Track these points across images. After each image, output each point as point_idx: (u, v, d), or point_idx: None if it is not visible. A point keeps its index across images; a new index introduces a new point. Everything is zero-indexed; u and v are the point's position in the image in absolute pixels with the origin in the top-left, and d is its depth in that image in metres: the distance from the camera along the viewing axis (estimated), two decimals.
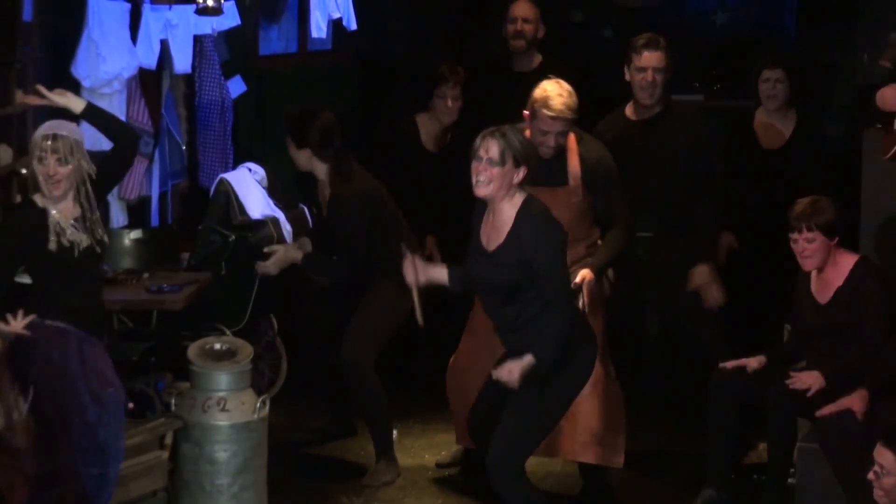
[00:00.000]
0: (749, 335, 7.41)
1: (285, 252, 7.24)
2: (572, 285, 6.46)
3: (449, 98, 8.00)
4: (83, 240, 5.71)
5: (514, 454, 5.95)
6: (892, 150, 6.51)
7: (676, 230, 7.27)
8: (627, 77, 7.25)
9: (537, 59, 8.20)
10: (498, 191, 5.82)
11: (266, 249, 7.30)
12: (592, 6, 8.81)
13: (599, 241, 6.86)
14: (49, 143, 5.66)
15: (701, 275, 7.20)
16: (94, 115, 5.90)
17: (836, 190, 7.23)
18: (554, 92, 6.57)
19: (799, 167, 7.66)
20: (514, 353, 5.95)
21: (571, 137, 6.72)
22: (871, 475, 5.14)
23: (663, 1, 9.02)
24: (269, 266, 7.22)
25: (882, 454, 5.12)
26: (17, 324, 5.54)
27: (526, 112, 6.63)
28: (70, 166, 5.66)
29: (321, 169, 7.12)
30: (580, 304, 6.52)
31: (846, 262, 6.44)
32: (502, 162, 5.80)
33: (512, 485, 5.97)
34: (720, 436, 6.66)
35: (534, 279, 5.82)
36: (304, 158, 7.12)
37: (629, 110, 7.37)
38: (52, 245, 5.67)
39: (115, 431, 5.75)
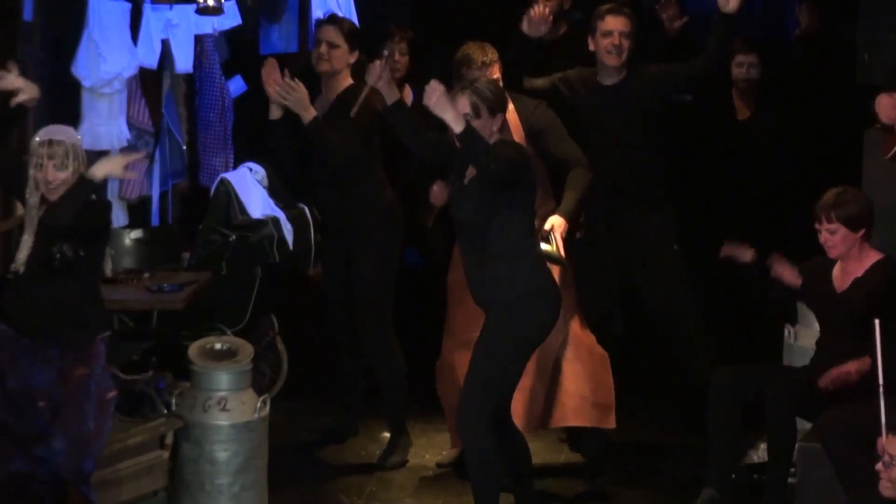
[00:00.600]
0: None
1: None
2: (541, 233, 6.55)
3: (396, 52, 7.99)
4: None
5: (477, 401, 6.04)
6: (892, 151, 6.51)
7: (645, 199, 7.23)
8: (592, 47, 7.25)
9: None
10: None
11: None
12: (592, 5, 8.79)
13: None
14: (46, 149, 5.65)
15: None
16: None
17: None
18: (476, 53, 6.81)
19: (763, 138, 8.17)
20: (478, 295, 6.10)
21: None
22: (879, 465, 5.11)
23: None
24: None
25: (892, 443, 5.09)
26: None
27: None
28: (68, 171, 5.64)
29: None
30: (554, 248, 6.57)
31: (871, 257, 6.43)
32: (477, 114, 5.96)
33: (471, 434, 6.06)
34: (720, 435, 6.63)
35: (495, 215, 5.96)
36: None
37: (599, 76, 7.34)
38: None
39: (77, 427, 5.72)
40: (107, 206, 5.89)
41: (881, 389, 5.34)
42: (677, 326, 7.28)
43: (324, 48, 7.10)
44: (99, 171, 5.70)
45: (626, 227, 7.21)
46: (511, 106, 6.69)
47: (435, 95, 5.82)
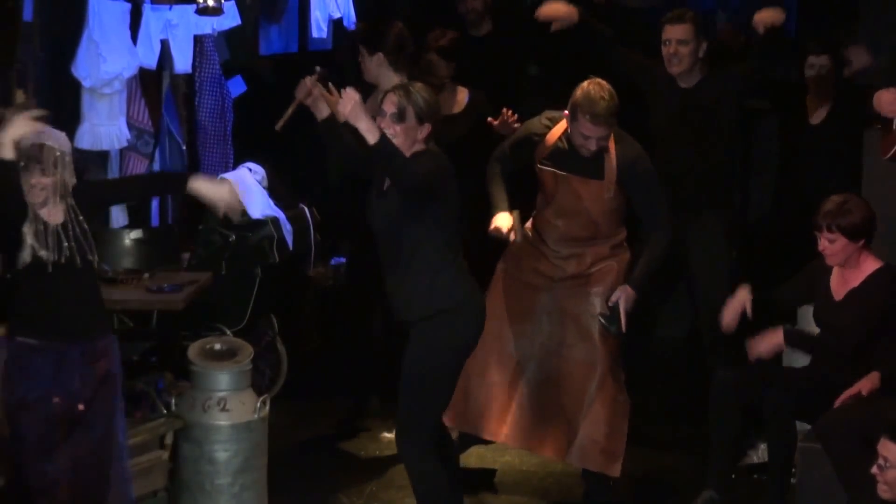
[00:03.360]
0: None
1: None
2: (609, 303, 6.52)
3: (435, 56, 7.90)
4: (56, 251, 5.64)
5: (412, 425, 5.98)
6: (892, 151, 6.49)
7: (705, 200, 7.29)
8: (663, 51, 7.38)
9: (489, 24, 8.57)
10: (401, 146, 5.80)
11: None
12: (594, 7, 8.81)
13: (625, 244, 6.80)
14: (35, 151, 5.58)
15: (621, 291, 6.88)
16: None
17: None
18: (597, 96, 6.48)
19: (832, 144, 7.78)
20: (397, 309, 6.02)
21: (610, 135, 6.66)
22: (874, 469, 5.17)
23: (664, 1, 9.03)
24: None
25: (887, 447, 5.15)
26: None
27: (566, 112, 6.60)
28: (52, 178, 5.59)
29: (389, 79, 6.99)
30: (616, 325, 6.51)
31: (868, 266, 6.40)
32: (401, 118, 5.85)
33: (411, 459, 6.01)
34: (721, 437, 6.65)
35: (412, 226, 5.86)
36: (375, 65, 7.01)
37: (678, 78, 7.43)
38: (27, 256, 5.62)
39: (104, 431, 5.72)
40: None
41: None
42: (709, 325, 7.23)
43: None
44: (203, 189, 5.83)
45: (682, 224, 7.19)
46: (612, 144, 6.62)
47: (350, 104, 5.69)
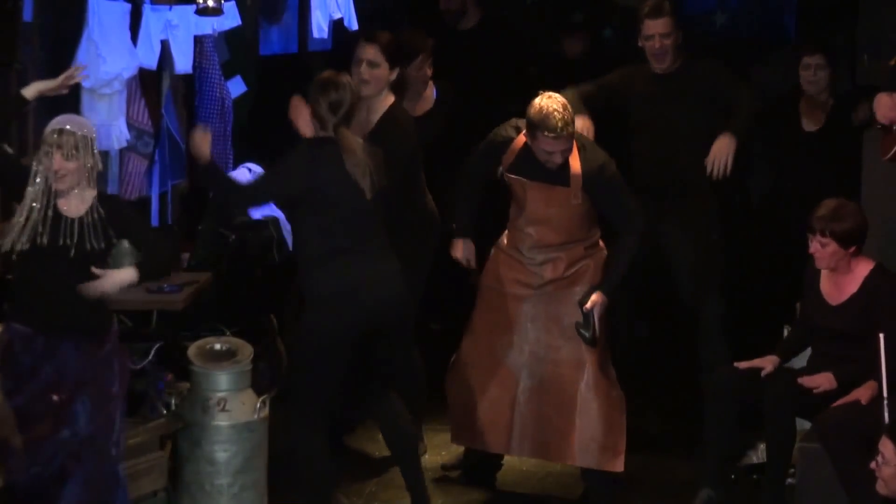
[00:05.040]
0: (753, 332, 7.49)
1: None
2: (583, 310, 6.55)
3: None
4: (65, 240, 5.68)
5: (298, 406, 6.36)
6: (892, 151, 6.48)
7: (690, 186, 7.27)
8: (640, 44, 7.35)
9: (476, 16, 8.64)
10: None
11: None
12: (592, 6, 8.85)
13: (600, 242, 6.82)
14: (55, 137, 5.67)
15: (721, 141, 7.11)
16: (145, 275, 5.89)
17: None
18: (550, 110, 6.50)
19: (834, 150, 7.69)
20: None
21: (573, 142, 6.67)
22: (873, 465, 5.22)
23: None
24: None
25: (885, 445, 5.21)
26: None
27: (524, 132, 6.61)
28: (76, 162, 5.64)
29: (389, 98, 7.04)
30: (590, 333, 6.54)
31: (861, 268, 6.43)
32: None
33: (298, 438, 6.35)
34: (719, 436, 6.67)
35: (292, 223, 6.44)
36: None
37: (653, 67, 7.41)
38: (26, 244, 5.66)
39: (97, 428, 5.72)
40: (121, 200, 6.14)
41: (885, 402, 5.39)
42: (701, 313, 7.31)
43: (364, 68, 6.94)
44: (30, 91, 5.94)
45: (665, 212, 7.23)
46: (577, 153, 6.63)
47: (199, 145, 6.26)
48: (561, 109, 6.47)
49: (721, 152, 7.08)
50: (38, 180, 5.68)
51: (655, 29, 7.22)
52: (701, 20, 9.07)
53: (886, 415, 5.82)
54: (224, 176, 6.57)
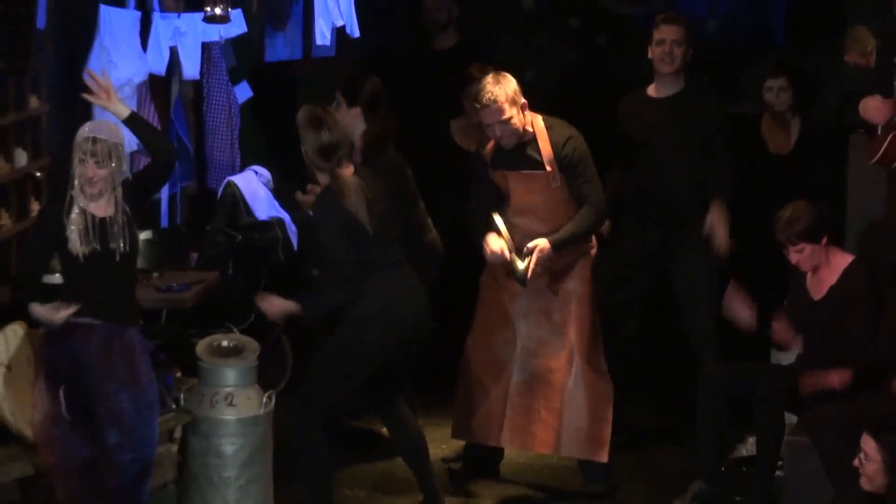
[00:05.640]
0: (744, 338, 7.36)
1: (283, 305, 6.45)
2: (524, 249, 6.52)
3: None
4: (102, 242, 5.73)
5: (304, 400, 6.30)
6: (876, 155, 6.48)
7: (689, 210, 7.20)
8: (650, 55, 7.31)
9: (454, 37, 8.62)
10: None
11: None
12: (588, 14, 8.85)
13: (592, 240, 6.83)
14: (90, 145, 5.69)
15: (713, 216, 7.11)
16: (136, 124, 5.93)
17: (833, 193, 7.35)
18: (482, 83, 6.59)
19: (804, 172, 7.65)
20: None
21: (540, 123, 6.68)
22: (856, 462, 5.24)
23: (657, 8, 9.04)
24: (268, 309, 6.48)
25: (866, 441, 5.23)
26: (62, 314, 5.63)
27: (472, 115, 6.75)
28: (108, 169, 5.70)
29: (360, 129, 6.96)
30: (523, 267, 6.49)
31: (839, 262, 6.43)
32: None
33: (299, 434, 6.29)
34: (709, 430, 6.66)
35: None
36: (351, 118, 6.91)
37: (651, 89, 7.37)
38: (75, 245, 5.71)
39: (145, 418, 5.81)
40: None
41: None
42: (697, 327, 7.28)
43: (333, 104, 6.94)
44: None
45: (668, 231, 7.20)
46: (545, 133, 6.67)
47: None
48: (491, 81, 6.53)
49: (719, 225, 7.06)
50: (75, 183, 5.73)
51: (669, 34, 7.21)
52: (693, 26, 9.05)
53: None
54: (319, 298, 6.35)
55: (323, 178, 6.20)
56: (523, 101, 6.64)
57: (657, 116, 7.14)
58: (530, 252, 6.51)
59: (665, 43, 7.21)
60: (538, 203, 6.71)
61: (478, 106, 6.58)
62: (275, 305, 6.33)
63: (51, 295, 5.80)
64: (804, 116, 7.79)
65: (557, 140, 6.65)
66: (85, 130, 5.75)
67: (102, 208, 5.76)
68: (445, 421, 7.38)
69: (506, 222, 6.71)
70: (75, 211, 5.71)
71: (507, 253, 6.59)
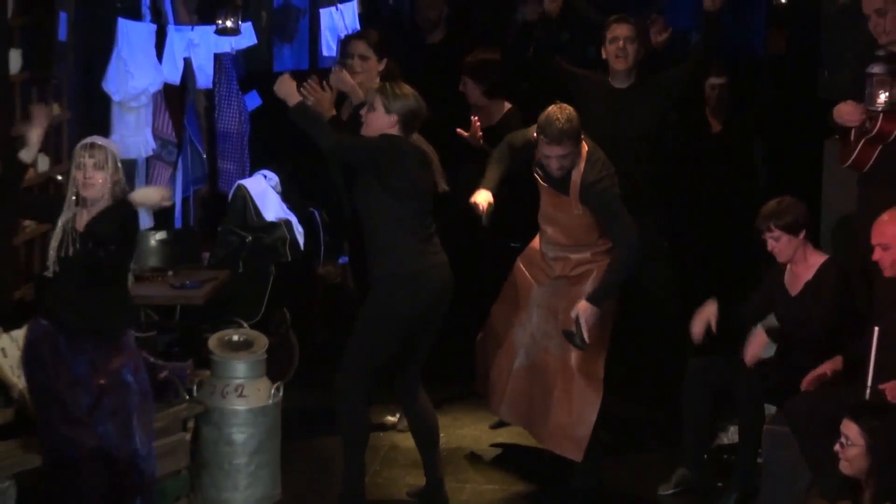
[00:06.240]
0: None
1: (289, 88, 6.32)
2: (572, 317, 6.51)
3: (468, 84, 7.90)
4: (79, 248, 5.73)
5: (349, 364, 6.31)
6: (849, 159, 6.51)
7: (644, 200, 7.21)
8: (604, 55, 7.35)
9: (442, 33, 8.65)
10: (368, 129, 6.25)
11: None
12: (577, 27, 8.85)
13: (609, 250, 6.74)
14: (88, 150, 5.73)
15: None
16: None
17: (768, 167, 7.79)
18: (554, 117, 6.53)
19: (734, 148, 8.16)
20: (366, 257, 6.42)
21: (584, 153, 6.65)
22: (836, 447, 5.25)
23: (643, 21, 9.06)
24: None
25: (848, 426, 5.25)
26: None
27: (535, 134, 6.66)
28: (105, 173, 5.72)
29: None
30: (578, 338, 6.49)
31: (816, 260, 6.49)
32: (371, 108, 6.25)
33: (342, 395, 6.31)
34: (694, 419, 6.70)
35: (369, 188, 6.24)
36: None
37: (611, 80, 7.41)
38: (56, 249, 5.75)
39: (127, 412, 5.79)
40: (136, 217, 5.98)
41: (868, 390, 5.42)
42: (662, 311, 7.36)
43: (356, 61, 7.10)
44: (138, 196, 5.88)
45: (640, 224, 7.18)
46: (582, 166, 6.62)
47: (283, 86, 6.18)
48: (563, 119, 6.49)
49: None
50: (72, 198, 5.76)
51: (621, 32, 7.27)
52: (678, 38, 9.02)
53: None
54: (315, 115, 6.29)
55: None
56: (582, 136, 6.63)
57: (613, 108, 7.17)
58: (576, 320, 6.49)
59: (618, 40, 7.27)
60: (561, 219, 6.74)
61: (544, 139, 6.53)
62: (285, 83, 6.23)
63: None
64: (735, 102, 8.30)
65: (588, 179, 6.61)
66: (84, 141, 5.78)
67: (86, 219, 5.74)
68: (443, 410, 7.42)
69: (539, 224, 6.79)
70: (60, 222, 5.72)
71: (484, 213, 6.58)
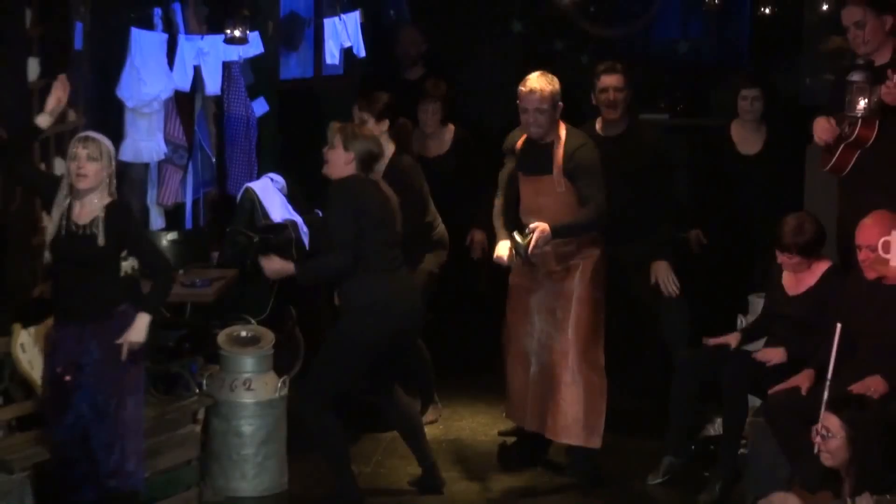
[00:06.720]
0: (709, 321, 7.49)
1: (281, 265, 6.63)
2: (526, 229, 6.59)
3: (429, 111, 8.07)
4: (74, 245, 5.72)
5: (309, 387, 6.41)
6: (830, 164, 6.55)
7: (642, 227, 7.32)
8: (594, 101, 7.46)
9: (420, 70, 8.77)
10: (332, 167, 6.45)
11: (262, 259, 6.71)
12: (571, 36, 8.88)
13: (597, 239, 6.84)
14: (81, 142, 5.71)
15: (658, 269, 7.35)
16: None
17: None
18: (534, 75, 6.70)
19: (773, 172, 7.76)
20: None
21: (563, 132, 6.74)
22: (817, 439, 5.28)
23: (633, 31, 9.09)
24: (266, 266, 6.61)
25: (828, 419, 5.30)
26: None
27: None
28: (98, 164, 5.67)
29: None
30: (525, 245, 6.49)
31: (819, 266, 6.55)
32: (331, 146, 6.42)
33: (307, 417, 6.40)
34: (681, 410, 6.77)
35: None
36: (378, 131, 7.00)
37: (598, 125, 7.51)
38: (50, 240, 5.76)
39: (103, 400, 5.68)
40: (131, 212, 5.98)
41: (828, 383, 5.44)
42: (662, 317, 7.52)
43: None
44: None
45: (627, 249, 7.33)
46: (563, 141, 6.73)
47: (272, 266, 6.53)
48: (544, 79, 6.65)
49: (663, 276, 7.25)
50: (63, 192, 5.74)
51: (611, 82, 7.35)
52: (666, 48, 9.04)
53: (826, 394, 5.86)
54: (315, 266, 6.55)
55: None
56: (561, 104, 6.74)
57: (604, 155, 6.99)
58: (532, 231, 6.54)
59: (608, 91, 7.38)
60: (543, 205, 6.78)
61: (523, 89, 6.66)
62: (274, 263, 6.45)
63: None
64: (770, 124, 7.88)
65: (569, 148, 6.70)
66: (78, 135, 5.77)
67: (85, 214, 5.70)
68: (444, 405, 7.57)
69: (517, 221, 6.82)
70: (55, 214, 5.71)
71: (507, 257, 6.70)
